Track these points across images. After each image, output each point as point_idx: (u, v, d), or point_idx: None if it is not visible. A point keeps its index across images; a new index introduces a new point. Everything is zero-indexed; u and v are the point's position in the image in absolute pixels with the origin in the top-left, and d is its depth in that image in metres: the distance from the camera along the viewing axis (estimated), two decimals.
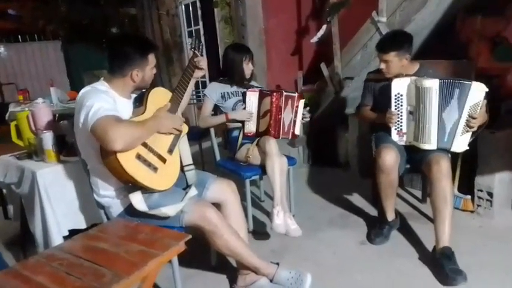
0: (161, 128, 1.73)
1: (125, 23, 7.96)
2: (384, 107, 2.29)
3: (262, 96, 2.55)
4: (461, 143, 2.15)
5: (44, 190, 1.97)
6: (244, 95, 2.61)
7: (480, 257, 2.12)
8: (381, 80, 2.36)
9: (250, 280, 1.89)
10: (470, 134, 2.14)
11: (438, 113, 2.10)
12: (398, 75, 2.26)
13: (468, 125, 2.10)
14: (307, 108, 2.61)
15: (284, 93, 2.46)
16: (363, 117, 2.58)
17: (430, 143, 2.14)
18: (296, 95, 2.53)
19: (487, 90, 2.05)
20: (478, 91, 2.05)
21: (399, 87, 2.19)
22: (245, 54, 2.63)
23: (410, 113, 2.19)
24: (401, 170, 2.29)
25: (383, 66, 2.29)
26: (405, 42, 2.25)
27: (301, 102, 2.57)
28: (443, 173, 2.06)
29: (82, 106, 1.59)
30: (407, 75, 2.24)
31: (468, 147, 2.17)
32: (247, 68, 2.65)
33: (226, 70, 2.68)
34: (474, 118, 2.07)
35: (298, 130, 2.59)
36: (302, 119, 2.59)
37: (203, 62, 1.96)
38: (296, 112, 2.55)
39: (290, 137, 2.60)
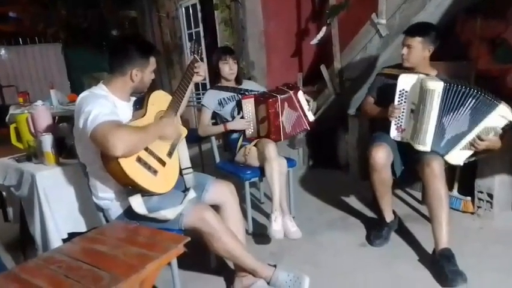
0: (163, 134, 1.73)
1: (125, 26, 7.99)
2: (388, 103, 2.26)
3: (257, 102, 2.53)
4: (456, 157, 2.12)
5: (43, 192, 1.97)
6: (239, 102, 2.60)
7: (480, 259, 2.11)
8: (392, 76, 2.34)
9: (248, 282, 1.88)
10: (471, 152, 2.10)
11: (438, 117, 2.07)
12: (411, 69, 2.26)
13: (473, 144, 2.05)
14: (305, 94, 2.58)
15: (280, 98, 2.45)
16: (366, 110, 2.55)
17: (425, 145, 2.12)
18: (291, 93, 2.50)
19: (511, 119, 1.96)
20: (500, 116, 1.97)
21: (406, 83, 2.17)
22: (221, 55, 2.62)
23: (412, 111, 2.18)
24: (397, 171, 2.29)
25: (404, 51, 2.26)
26: (433, 33, 2.23)
27: (300, 94, 2.54)
28: (435, 175, 2.04)
29: (80, 112, 1.59)
30: (417, 72, 2.22)
31: (462, 164, 2.16)
32: (225, 68, 2.61)
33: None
34: (482, 140, 2.01)
35: (311, 117, 2.58)
36: (308, 104, 2.57)
37: (201, 68, 1.96)
38: (301, 107, 2.53)
39: (308, 127, 2.59)
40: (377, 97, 2.50)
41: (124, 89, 1.78)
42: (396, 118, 2.22)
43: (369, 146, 2.29)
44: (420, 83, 2.10)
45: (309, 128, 2.62)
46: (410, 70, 2.29)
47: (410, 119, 2.20)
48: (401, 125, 2.24)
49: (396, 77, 2.23)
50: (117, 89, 1.76)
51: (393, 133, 2.26)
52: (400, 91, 2.19)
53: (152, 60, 1.80)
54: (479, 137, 2.02)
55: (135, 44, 1.77)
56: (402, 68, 2.37)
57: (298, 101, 2.53)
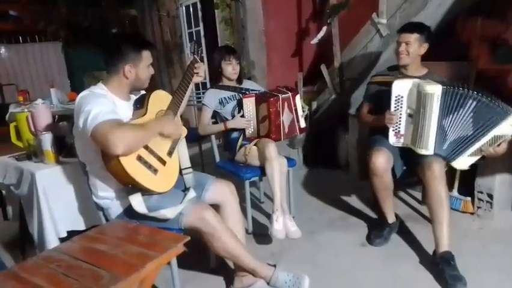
0: (164, 129, 1.72)
1: (126, 25, 7.97)
2: (383, 110, 2.27)
3: (258, 101, 2.52)
4: (463, 162, 2.10)
5: (42, 191, 1.97)
6: (240, 101, 2.59)
7: (480, 259, 2.12)
8: (384, 83, 2.35)
9: (247, 282, 1.88)
10: (478, 157, 2.08)
11: (438, 120, 2.05)
12: (404, 68, 2.31)
13: (482, 151, 2.03)
14: (301, 100, 2.65)
15: (281, 97, 2.46)
16: (363, 119, 2.57)
17: (427, 149, 2.10)
18: (290, 94, 2.53)
19: None
20: (510, 125, 1.95)
21: (401, 89, 2.16)
22: (224, 54, 2.61)
23: (410, 115, 2.16)
24: (398, 173, 2.29)
25: (402, 48, 2.28)
26: (427, 31, 2.30)
27: (297, 97, 2.58)
28: (435, 177, 2.04)
29: (80, 111, 1.58)
30: (410, 77, 2.22)
31: (467, 168, 2.15)
32: (228, 68, 2.61)
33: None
34: (490, 146, 1.99)
35: (303, 123, 2.64)
36: (302, 111, 2.61)
37: (201, 69, 1.96)
38: (296, 110, 2.57)
39: (299, 133, 2.66)
40: (373, 105, 2.50)
41: (121, 87, 1.77)
42: (394, 124, 2.22)
43: (368, 149, 2.29)
44: (417, 87, 2.08)
45: (299, 134, 2.67)
46: (401, 73, 2.32)
47: (409, 124, 2.18)
48: (399, 131, 2.23)
49: (389, 84, 2.22)
50: (115, 88, 1.75)
51: (392, 139, 2.24)
52: (396, 97, 2.18)
53: (146, 54, 1.76)
54: (489, 145, 2.00)
55: (125, 40, 1.76)
56: (394, 69, 2.41)
57: (295, 105, 2.57)
